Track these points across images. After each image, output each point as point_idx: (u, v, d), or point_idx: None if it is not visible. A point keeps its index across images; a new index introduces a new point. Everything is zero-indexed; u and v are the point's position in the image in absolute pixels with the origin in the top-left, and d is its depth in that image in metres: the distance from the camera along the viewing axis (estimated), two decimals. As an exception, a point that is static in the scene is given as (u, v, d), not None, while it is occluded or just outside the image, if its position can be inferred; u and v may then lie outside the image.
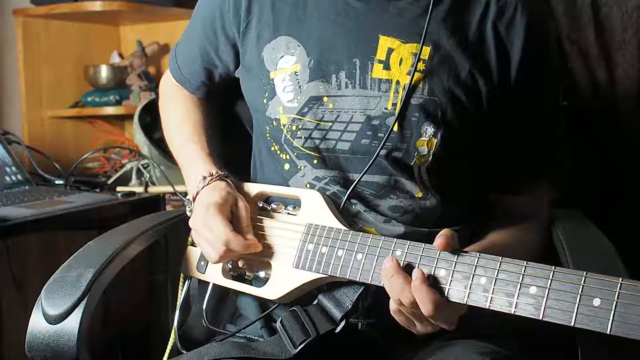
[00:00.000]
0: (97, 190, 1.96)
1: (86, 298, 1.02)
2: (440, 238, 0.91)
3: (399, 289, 0.91)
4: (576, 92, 1.76)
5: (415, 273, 0.89)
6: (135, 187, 2.06)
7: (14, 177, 1.85)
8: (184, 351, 1.16)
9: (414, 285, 0.89)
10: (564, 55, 1.75)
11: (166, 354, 1.22)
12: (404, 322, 0.97)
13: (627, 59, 1.71)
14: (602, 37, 1.72)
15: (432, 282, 0.90)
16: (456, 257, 0.90)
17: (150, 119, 2.22)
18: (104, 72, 2.47)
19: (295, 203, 1.12)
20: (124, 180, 2.20)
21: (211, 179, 1.13)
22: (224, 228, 1.05)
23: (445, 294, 0.89)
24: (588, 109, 1.76)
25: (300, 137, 1.11)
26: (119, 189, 2.01)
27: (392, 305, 0.94)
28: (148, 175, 2.18)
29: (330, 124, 1.09)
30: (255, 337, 1.16)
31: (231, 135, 1.35)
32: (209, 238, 1.06)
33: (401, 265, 0.93)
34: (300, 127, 1.10)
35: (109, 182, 2.15)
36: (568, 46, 1.75)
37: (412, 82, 1.05)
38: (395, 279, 0.91)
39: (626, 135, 1.73)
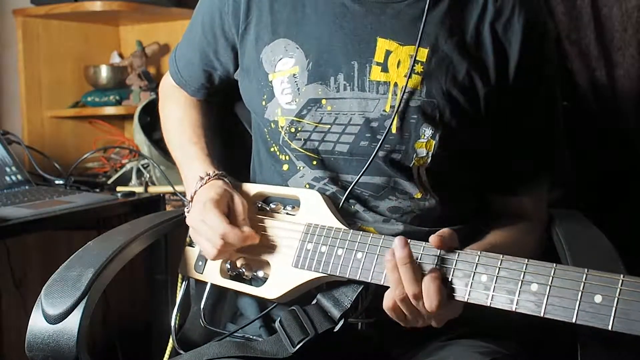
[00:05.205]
0: (97, 190, 1.96)
1: (86, 298, 1.02)
2: (434, 236, 0.91)
3: (409, 279, 0.90)
4: (576, 92, 1.76)
5: (428, 266, 0.90)
6: (135, 187, 2.06)
7: (14, 177, 1.85)
8: (181, 352, 1.15)
9: (428, 277, 0.89)
10: (564, 55, 1.75)
11: (166, 354, 1.22)
12: (395, 316, 0.96)
13: (627, 59, 1.70)
14: (602, 37, 1.72)
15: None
16: (457, 255, 0.90)
17: (150, 119, 2.22)
18: (104, 72, 2.47)
19: (294, 203, 1.12)
20: (124, 180, 2.20)
21: (208, 179, 1.13)
22: (220, 222, 1.04)
23: (446, 292, 0.89)
24: (588, 109, 1.76)
25: (300, 139, 1.10)
26: (119, 189, 2.00)
27: (389, 302, 0.94)
28: (148, 175, 2.18)
29: (329, 126, 1.09)
30: (254, 337, 1.15)
31: (231, 136, 1.35)
32: (206, 233, 1.06)
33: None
34: (299, 129, 1.10)
35: (109, 182, 2.15)
36: (568, 46, 1.75)
37: (410, 84, 1.05)
38: (408, 268, 0.90)
39: (626, 135, 1.73)
